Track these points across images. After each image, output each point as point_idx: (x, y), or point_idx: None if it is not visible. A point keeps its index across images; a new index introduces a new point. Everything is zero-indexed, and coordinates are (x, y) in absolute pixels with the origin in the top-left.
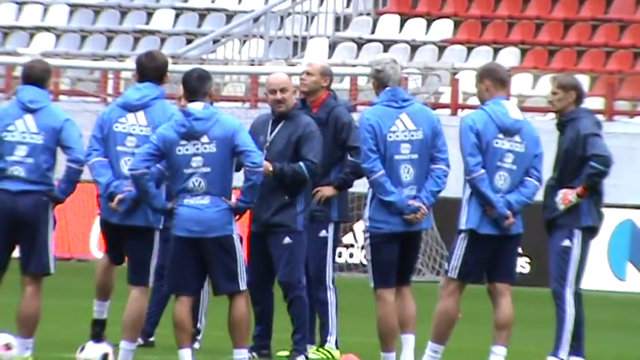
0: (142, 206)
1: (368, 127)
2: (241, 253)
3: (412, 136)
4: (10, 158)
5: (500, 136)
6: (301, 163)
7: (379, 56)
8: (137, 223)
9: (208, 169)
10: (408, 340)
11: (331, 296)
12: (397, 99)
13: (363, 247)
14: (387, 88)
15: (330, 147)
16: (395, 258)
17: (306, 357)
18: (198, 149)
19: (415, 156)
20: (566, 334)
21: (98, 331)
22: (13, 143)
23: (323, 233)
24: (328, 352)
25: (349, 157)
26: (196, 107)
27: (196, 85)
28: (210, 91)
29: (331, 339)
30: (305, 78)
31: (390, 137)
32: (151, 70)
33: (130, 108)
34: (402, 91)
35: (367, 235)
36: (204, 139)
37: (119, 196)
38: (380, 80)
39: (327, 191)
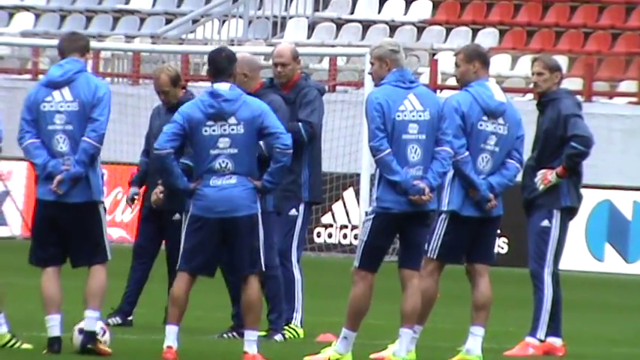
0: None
1: (376, 106)
2: (262, 232)
3: (420, 116)
4: None
5: (485, 118)
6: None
7: (386, 39)
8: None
9: (235, 151)
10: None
11: (297, 274)
12: (405, 80)
13: (343, 227)
14: (394, 70)
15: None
16: (389, 245)
17: (283, 335)
18: (225, 130)
19: (422, 136)
20: (544, 314)
21: None
22: None
23: (292, 212)
24: (293, 329)
25: None
26: (224, 88)
27: (225, 65)
28: (234, 72)
29: (297, 316)
30: (282, 70)
31: (399, 116)
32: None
33: (54, 85)
34: (409, 72)
35: (372, 215)
36: (232, 120)
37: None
38: (394, 61)
39: None
